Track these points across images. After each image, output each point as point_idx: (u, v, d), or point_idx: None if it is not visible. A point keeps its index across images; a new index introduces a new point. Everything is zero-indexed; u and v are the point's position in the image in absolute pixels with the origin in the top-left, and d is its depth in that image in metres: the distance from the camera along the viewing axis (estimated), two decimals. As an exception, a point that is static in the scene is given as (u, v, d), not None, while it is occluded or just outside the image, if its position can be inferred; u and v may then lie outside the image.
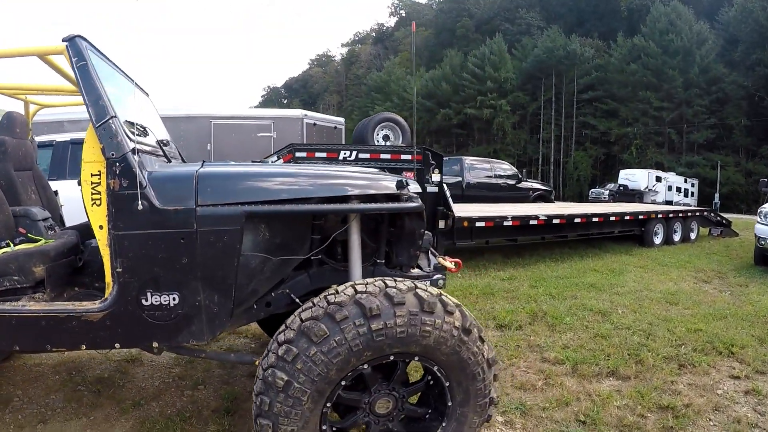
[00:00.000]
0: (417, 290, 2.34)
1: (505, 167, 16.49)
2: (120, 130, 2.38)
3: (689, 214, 13.21)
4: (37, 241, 2.97)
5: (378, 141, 9.46)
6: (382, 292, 2.29)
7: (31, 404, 3.48)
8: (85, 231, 3.26)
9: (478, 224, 8.63)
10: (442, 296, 2.38)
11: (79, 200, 2.55)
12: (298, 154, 8.11)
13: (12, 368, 4.11)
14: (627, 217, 11.12)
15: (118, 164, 2.32)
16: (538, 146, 56.93)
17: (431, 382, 2.48)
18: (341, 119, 14.81)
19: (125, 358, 4.27)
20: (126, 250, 2.35)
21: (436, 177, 8.43)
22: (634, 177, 32.62)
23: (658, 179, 32.35)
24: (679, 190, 33.57)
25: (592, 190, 38.17)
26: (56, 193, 4.19)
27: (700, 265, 9.39)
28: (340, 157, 8.22)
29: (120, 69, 3.07)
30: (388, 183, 2.87)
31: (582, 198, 42.69)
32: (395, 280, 2.39)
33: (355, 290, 2.32)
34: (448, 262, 3.27)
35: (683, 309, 6.19)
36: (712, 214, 14.26)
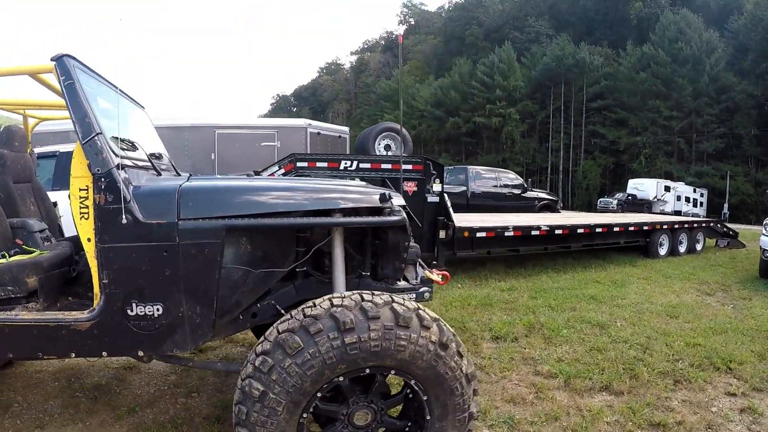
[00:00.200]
0: (393, 304, 2.36)
1: (511, 177, 16.44)
2: (105, 146, 2.46)
3: (695, 225, 13.08)
4: (31, 252, 3.03)
5: (379, 151, 9.47)
6: (357, 305, 2.32)
7: (30, 410, 3.57)
8: (79, 242, 3.27)
9: (479, 234, 8.60)
10: (420, 311, 2.39)
11: None
12: (299, 164, 8.17)
13: (13, 375, 4.21)
14: (631, 228, 11.03)
15: (103, 180, 2.40)
16: (547, 155, 56.78)
17: (410, 396, 2.49)
18: (346, 128, 14.84)
19: (123, 365, 4.34)
20: (111, 263, 2.43)
21: (437, 187, 8.43)
22: (642, 186, 32.42)
23: (667, 189, 32.14)
24: (688, 200, 33.32)
25: (601, 199, 38.02)
26: (55, 204, 4.26)
27: (704, 277, 9.29)
28: (341, 167, 8.25)
29: (111, 84, 3.15)
30: (370, 196, 2.89)
31: (591, 207, 42.43)
32: (373, 294, 2.41)
33: (332, 304, 2.35)
34: (435, 275, 3.28)
35: (683, 322, 6.12)
36: (719, 225, 14.10)
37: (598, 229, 10.29)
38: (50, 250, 3.10)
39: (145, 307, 2.48)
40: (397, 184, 8.34)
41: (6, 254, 2.91)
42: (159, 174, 3.01)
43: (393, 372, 2.37)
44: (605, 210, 32.12)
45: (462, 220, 9.05)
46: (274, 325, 2.41)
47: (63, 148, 7.13)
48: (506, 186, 15.68)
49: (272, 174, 8.10)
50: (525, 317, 6.08)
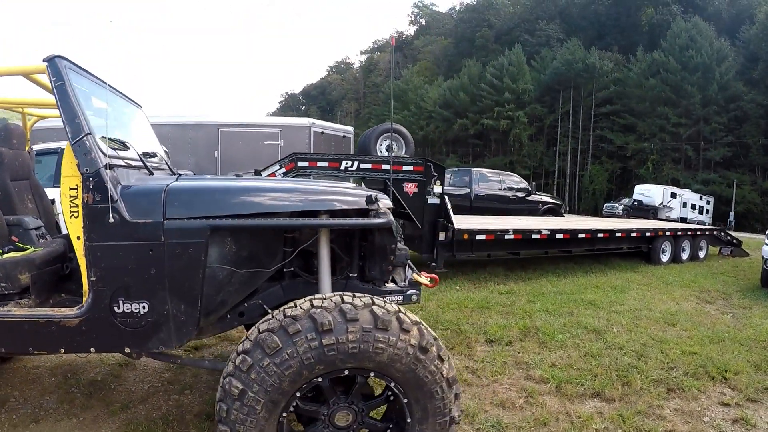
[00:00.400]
0: (373, 307, 2.37)
1: (515, 179, 16.36)
2: (94, 146, 2.49)
3: (698, 232, 12.97)
4: (25, 249, 3.05)
5: (381, 151, 9.45)
6: (337, 307, 2.33)
7: (26, 405, 3.61)
8: None
9: (478, 237, 8.56)
10: (400, 314, 2.40)
11: None
12: (300, 164, 8.16)
13: (11, 370, 4.25)
14: (634, 234, 10.95)
15: (91, 179, 2.44)
16: (554, 159, 56.65)
17: (392, 398, 2.49)
18: (350, 128, 14.83)
19: (119, 362, 4.37)
20: (99, 261, 2.47)
21: (437, 189, 8.41)
22: (649, 192, 32.26)
23: (674, 195, 31.98)
24: (694, 207, 33.16)
25: (607, 204, 37.90)
26: (53, 201, 4.28)
27: (705, 285, 9.22)
28: (342, 167, 8.24)
29: (106, 84, 3.18)
30: (357, 198, 2.91)
31: (597, 212, 42.30)
32: (353, 296, 2.43)
33: (312, 305, 2.36)
34: (423, 278, 3.28)
35: (681, 330, 6.07)
36: (722, 233, 13.99)
37: (600, 234, 10.23)
38: (44, 248, 3.12)
39: (131, 304, 2.51)
40: (398, 185, 8.34)
41: (0, 251, 2.94)
42: (151, 173, 3.02)
43: (372, 374, 2.38)
44: (611, 215, 32.03)
45: (462, 222, 9.02)
46: (257, 324, 2.43)
47: (65, 145, 7.15)
48: (510, 189, 15.60)
49: (273, 173, 8.10)
50: (521, 321, 6.05)
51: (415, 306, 6.57)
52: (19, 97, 3.83)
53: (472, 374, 4.42)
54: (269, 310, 2.80)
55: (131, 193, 2.56)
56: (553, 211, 16.09)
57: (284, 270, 3.04)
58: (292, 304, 2.43)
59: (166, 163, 3.76)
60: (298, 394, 2.33)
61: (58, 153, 7.00)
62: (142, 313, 2.53)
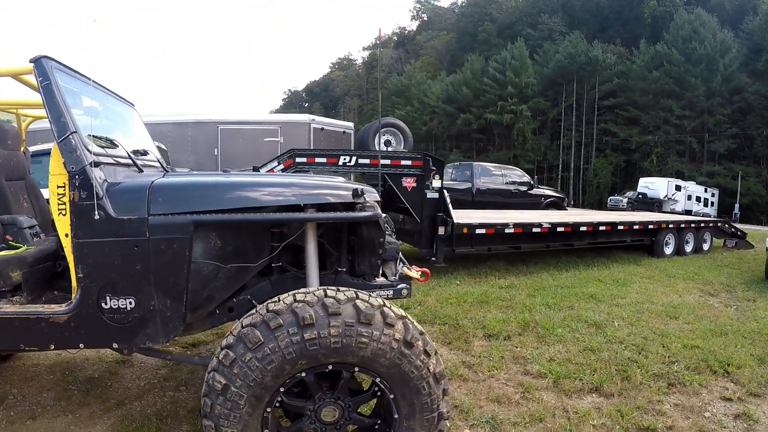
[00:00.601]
0: (356, 301, 2.34)
1: (518, 173, 16.23)
2: (79, 144, 2.51)
3: (702, 224, 12.84)
4: (18, 248, 3.08)
5: (380, 146, 9.36)
6: (319, 301, 2.31)
7: (24, 402, 3.65)
8: None
9: (478, 231, 8.49)
10: (385, 308, 2.37)
11: None
12: (298, 159, 8.12)
13: (11, 368, 4.28)
14: (636, 227, 10.83)
15: (77, 177, 2.47)
16: (558, 152, 56.40)
17: (379, 394, 2.47)
18: (350, 124, 14.76)
19: (117, 359, 4.39)
20: (86, 257, 2.49)
21: (436, 183, 8.34)
22: (653, 185, 32.08)
23: (678, 188, 31.76)
24: (698, 199, 32.94)
25: (611, 197, 37.73)
26: (48, 201, 4.26)
27: (709, 278, 9.12)
28: (340, 163, 8.19)
29: (97, 84, 3.23)
30: (343, 192, 2.89)
31: (602, 205, 42.13)
32: (337, 290, 2.41)
33: (294, 299, 2.35)
34: (414, 272, 3.24)
35: (683, 323, 5.99)
36: (727, 225, 13.86)
37: (602, 227, 10.12)
38: (37, 246, 3.14)
39: (118, 300, 2.53)
40: (396, 179, 8.27)
41: None
42: (140, 171, 3.03)
43: (357, 369, 2.35)
44: (615, 208, 31.89)
45: (462, 216, 8.95)
46: (241, 319, 2.43)
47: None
48: (512, 183, 15.49)
49: (271, 170, 8.05)
50: (520, 315, 5.98)
51: (413, 301, 6.53)
52: (13, 98, 3.87)
53: (469, 369, 4.36)
54: (256, 305, 2.79)
55: (117, 190, 2.57)
56: (556, 205, 15.97)
57: (273, 265, 3.05)
58: (276, 298, 2.42)
59: (159, 161, 3.76)
60: (282, 390, 2.31)
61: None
62: (128, 308, 2.54)
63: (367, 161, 8.28)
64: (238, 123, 12.71)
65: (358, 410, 2.58)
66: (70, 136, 2.50)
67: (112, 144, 2.95)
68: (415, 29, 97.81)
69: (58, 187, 2.53)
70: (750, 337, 5.51)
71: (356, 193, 2.84)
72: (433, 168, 8.30)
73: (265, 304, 2.41)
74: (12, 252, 2.95)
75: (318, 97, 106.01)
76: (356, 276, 3.16)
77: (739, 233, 13.81)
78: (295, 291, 2.44)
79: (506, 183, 15.35)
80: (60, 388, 3.88)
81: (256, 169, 7.99)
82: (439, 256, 8.28)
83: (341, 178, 3.49)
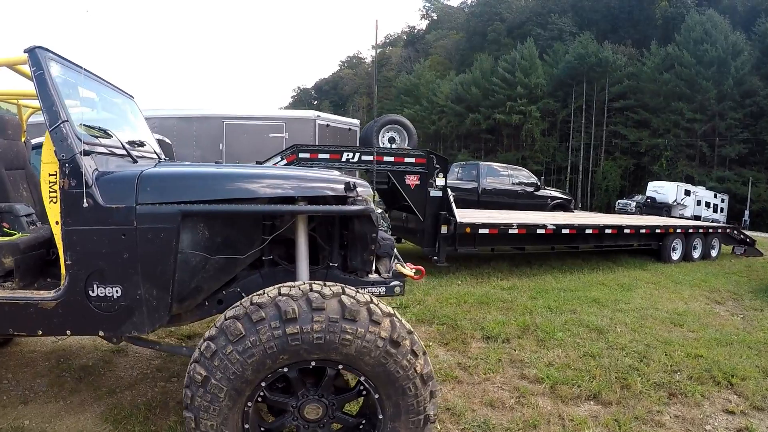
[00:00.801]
0: (342, 296, 2.28)
1: (525, 174, 16.08)
2: (70, 133, 2.55)
3: (710, 230, 12.65)
4: (12, 234, 3.14)
5: (383, 143, 9.27)
6: (304, 296, 2.25)
7: (17, 387, 3.71)
8: None
9: (481, 231, 8.39)
10: (371, 304, 2.30)
11: None
12: (301, 155, 8.04)
13: (8, 353, 4.35)
14: (643, 231, 10.68)
15: (67, 165, 2.50)
16: (567, 154, 56.10)
17: (364, 393, 2.40)
18: (356, 121, 14.68)
19: (112, 348, 4.40)
20: (74, 245, 2.52)
21: (440, 181, 8.24)
22: (662, 189, 31.87)
23: (687, 193, 31.52)
24: (708, 205, 32.67)
25: (619, 201, 37.50)
26: None
27: (716, 285, 8.95)
28: (343, 159, 8.11)
29: (91, 74, 3.29)
30: (335, 185, 2.85)
31: (610, 209, 41.83)
32: (323, 285, 2.36)
33: (279, 292, 2.30)
34: (408, 269, 3.19)
35: (687, 331, 5.85)
36: (735, 232, 13.66)
37: (608, 231, 9.98)
38: (32, 234, 3.19)
39: (105, 288, 2.55)
40: (400, 177, 8.17)
41: None
42: (135, 161, 3.03)
43: (341, 367, 2.29)
44: (623, 212, 31.68)
45: (465, 215, 8.85)
46: (225, 311, 2.39)
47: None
48: (519, 183, 15.35)
49: (274, 165, 7.98)
50: (521, 318, 5.88)
51: (413, 299, 6.45)
52: (14, 89, 3.90)
53: (464, 371, 4.27)
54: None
55: (106, 179, 2.59)
56: (563, 207, 15.80)
57: (263, 258, 3.02)
58: (261, 291, 2.37)
59: (156, 153, 3.77)
60: (263, 384, 2.27)
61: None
62: (115, 297, 2.55)
63: (370, 158, 8.18)
64: (244, 118, 12.66)
65: (344, 409, 2.53)
66: (62, 125, 2.54)
67: (106, 134, 2.96)
68: (424, 28, 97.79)
69: (49, 175, 2.56)
70: (756, 347, 5.36)
71: (348, 187, 2.79)
72: (437, 166, 8.20)
73: (250, 296, 2.37)
74: (5, 239, 2.99)
75: (327, 94, 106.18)
76: (349, 272, 3.11)
77: (748, 240, 13.62)
78: (281, 284, 2.38)
79: (513, 183, 15.22)
80: (54, 375, 3.92)
81: (259, 163, 7.91)
82: (441, 256, 8.18)
83: (336, 172, 3.41)
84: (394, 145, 9.25)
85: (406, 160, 8.19)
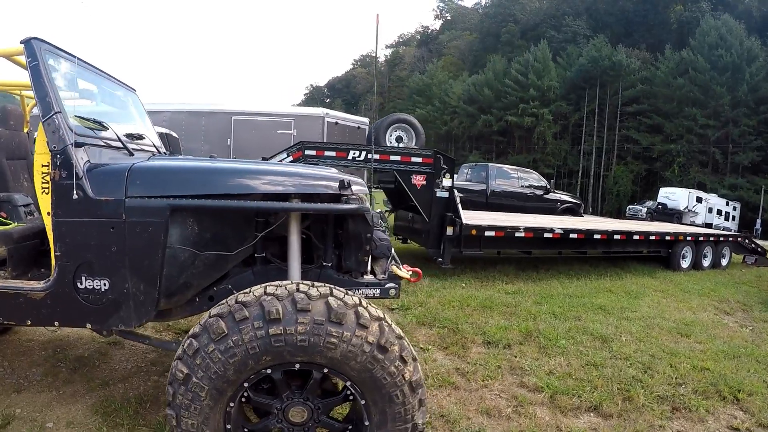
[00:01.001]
0: (329, 298, 2.21)
1: (534, 177, 15.94)
2: (62, 124, 2.55)
3: (721, 238, 12.44)
4: (8, 224, 3.17)
5: (391, 142, 9.18)
6: (290, 296, 2.19)
7: (12, 375, 3.74)
8: None
9: (487, 233, 8.26)
10: (360, 307, 2.23)
11: None
12: (307, 152, 7.98)
13: (6, 341, 4.39)
14: (652, 237, 10.51)
15: (59, 156, 2.50)
16: (578, 158, 55.64)
17: (351, 398, 2.33)
18: (365, 119, 14.61)
19: (108, 340, 4.38)
20: (64, 236, 2.53)
21: (447, 182, 8.13)
22: (674, 196, 31.51)
23: (699, 200, 31.15)
24: (720, 212, 32.28)
25: (630, 206, 37.18)
26: None
27: (726, 295, 8.78)
28: (349, 157, 8.03)
29: (94, 67, 3.33)
30: (329, 182, 2.81)
31: (620, 214, 41.44)
32: (312, 285, 2.30)
33: (265, 291, 2.25)
34: (404, 271, 3.12)
35: (694, 342, 5.71)
36: (747, 241, 13.44)
37: (617, 236, 9.81)
38: (28, 224, 3.23)
39: (93, 281, 2.55)
40: (406, 176, 8.07)
41: None
42: (131, 154, 3.03)
43: (326, 370, 2.23)
44: (634, 217, 31.37)
45: (472, 217, 8.74)
46: (211, 308, 2.35)
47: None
48: (529, 186, 15.21)
49: (280, 161, 7.92)
50: (524, 323, 5.77)
51: (414, 301, 6.36)
52: (17, 80, 3.91)
53: (462, 377, 4.17)
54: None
55: (97, 171, 2.58)
56: (572, 211, 15.63)
57: (256, 255, 2.99)
58: (248, 289, 2.32)
59: (155, 145, 3.75)
60: (246, 385, 2.22)
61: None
62: (103, 290, 2.55)
63: (377, 156, 8.10)
64: (252, 114, 12.64)
65: (334, 413, 2.48)
66: (54, 116, 2.54)
67: (102, 126, 2.94)
68: (438, 28, 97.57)
69: (42, 165, 2.59)
70: (764, 361, 5.21)
71: (343, 185, 2.74)
72: (444, 166, 8.10)
73: (236, 294, 2.32)
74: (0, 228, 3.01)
75: (340, 93, 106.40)
76: (343, 272, 3.05)
77: (759, 249, 13.39)
78: (268, 283, 2.33)
79: (522, 186, 15.09)
80: (49, 365, 3.94)
81: (264, 159, 7.86)
82: (446, 257, 8.08)
83: (333, 169, 3.34)
84: (401, 144, 9.15)
85: (413, 159, 8.10)
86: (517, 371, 4.37)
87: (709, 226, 27.97)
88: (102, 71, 3.45)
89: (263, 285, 2.31)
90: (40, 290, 2.58)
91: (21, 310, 2.61)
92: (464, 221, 7.98)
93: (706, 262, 11.77)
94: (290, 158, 8.03)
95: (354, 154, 8.06)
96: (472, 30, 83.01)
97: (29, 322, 2.67)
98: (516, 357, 4.71)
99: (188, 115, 12.52)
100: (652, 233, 10.51)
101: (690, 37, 49.43)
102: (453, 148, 64.40)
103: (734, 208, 34.30)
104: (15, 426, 3.08)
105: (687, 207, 30.33)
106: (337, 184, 2.75)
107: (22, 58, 2.93)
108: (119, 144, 3.00)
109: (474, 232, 8.12)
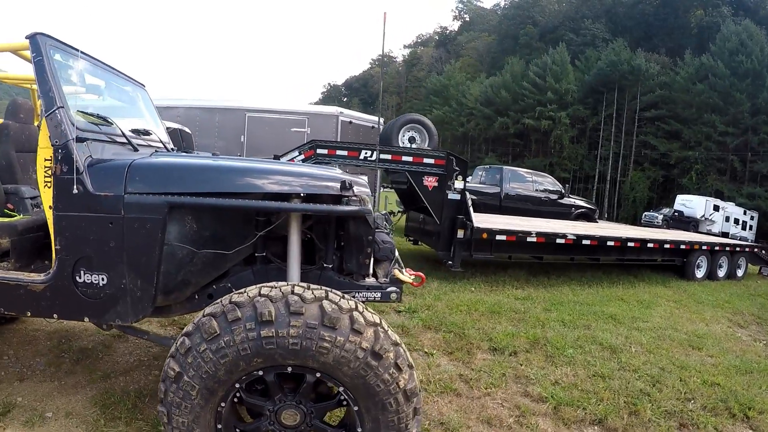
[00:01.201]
0: (324, 301, 2.18)
1: (549, 181, 15.75)
2: (65, 119, 2.57)
3: (737, 248, 12.21)
4: (13, 216, 3.22)
5: (403, 143, 9.12)
6: (283, 298, 2.16)
7: (16, 364, 3.80)
8: None
9: (498, 237, 8.16)
10: (355, 312, 2.19)
11: None
12: (319, 151, 7.95)
13: (12, 330, 4.48)
14: (667, 246, 10.32)
15: (60, 151, 2.52)
16: (595, 163, 55.18)
17: (345, 403, 2.30)
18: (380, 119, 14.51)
19: (113, 332, 4.38)
20: (64, 230, 2.55)
21: (459, 184, 8.05)
22: (690, 203, 31.07)
23: (716, 208, 30.66)
24: (737, 221, 31.69)
25: (646, 213, 36.77)
26: None
27: (740, 307, 8.60)
28: (361, 157, 7.98)
29: (103, 63, 3.36)
30: (330, 183, 2.77)
31: (636, 221, 40.99)
32: (307, 287, 2.27)
33: (259, 293, 2.23)
34: (407, 275, 3.07)
35: (706, 356, 5.58)
36: (764, 252, 13.17)
37: (631, 244, 9.66)
38: (33, 216, 3.25)
39: (91, 275, 2.57)
40: (418, 178, 8.01)
41: None
42: (136, 149, 3.04)
43: (318, 374, 2.20)
44: (650, 224, 31.00)
45: (483, 221, 8.65)
46: (205, 307, 2.34)
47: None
48: (543, 190, 15.05)
49: (292, 159, 7.90)
50: (531, 330, 5.68)
51: (422, 304, 6.30)
52: (28, 74, 3.96)
53: (465, 384, 4.11)
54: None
55: (98, 167, 2.60)
56: (587, 216, 15.44)
57: (256, 255, 2.99)
58: (243, 290, 2.31)
59: (161, 141, 3.74)
60: (237, 385, 2.22)
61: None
62: (101, 284, 2.57)
63: (389, 156, 8.05)
64: (266, 111, 12.63)
65: (328, 418, 2.45)
66: (56, 111, 2.56)
67: (106, 121, 2.95)
68: (456, 29, 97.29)
69: (45, 160, 2.62)
70: (778, 377, 5.07)
71: (344, 186, 2.70)
72: (457, 168, 8.02)
73: (230, 294, 2.31)
74: (4, 220, 3.05)
75: (357, 92, 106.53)
76: (345, 274, 3.02)
77: (776, 261, 13.13)
78: (264, 284, 2.32)
79: (536, 190, 14.93)
80: (53, 355, 3.99)
81: (276, 157, 7.84)
82: (456, 261, 8.00)
83: (337, 169, 3.30)
84: (414, 145, 9.09)
85: (425, 160, 8.03)
86: (521, 380, 4.30)
87: (725, 235, 27.56)
88: (111, 67, 3.47)
89: (259, 286, 2.29)
90: (40, 282, 2.61)
91: (21, 301, 2.65)
92: (475, 224, 7.90)
93: (721, 273, 11.58)
94: (302, 156, 8.00)
95: (366, 153, 8.01)
96: (491, 31, 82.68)
97: (29, 314, 2.70)
98: (522, 365, 4.63)
99: (202, 111, 12.55)
100: (666, 241, 10.33)
101: (710, 43, 48.67)
102: (469, 150, 64.17)
103: (752, 218, 33.67)
104: (15, 414, 3.11)
105: (704, 215, 29.90)
106: (338, 185, 2.71)
107: (28, 53, 2.95)
108: (124, 139, 3.01)
109: (485, 235, 8.03)
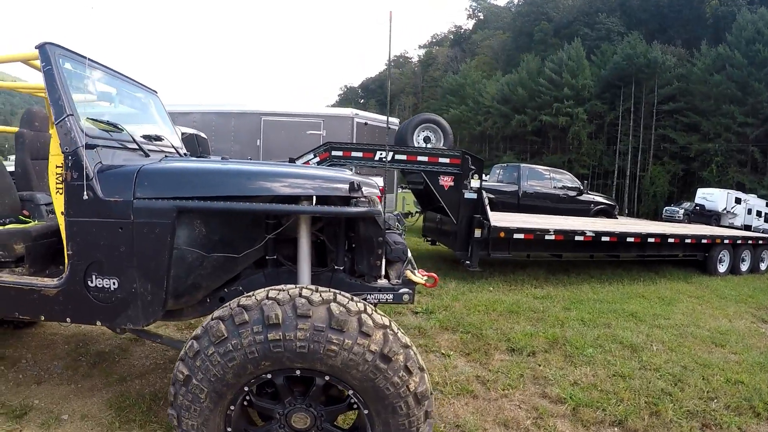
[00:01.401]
0: (331, 304, 2.16)
1: (568, 178, 15.59)
2: (74, 127, 2.60)
3: (761, 241, 11.91)
4: (28, 222, 3.30)
5: (418, 142, 9.10)
6: (291, 301, 2.16)
7: (34, 366, 3.89)
8: None
9: (516, 236, 8.09)
10: (363, 314, 2.17)
11: None
12: (334, 153, 7.97)
13: (30, 334, 4.58)
14: (688, 240, 10.14)
15: (70, 158, 2.56)
16: (614, 158, 54.56)
17: (355, 407, 2.29)
18: (395, 119, 14.52)
19: (130, 336, 4.46)
20: (75, 235, 2.59)
21: (475, 183, 8.01)
22: (712, 197, 30.56)
23: (738, 201, 30.10)
24: (759, 214, 31.03)
25: (667, 208, 36.25)
26: None
27: (764, 302, 8.39)
28: (376, 158, 7.98)
29: (113, 71, 3.41)
30: (339, 185, 2.76)
31: (657, 216, 40.43)
32: (316, 290, 2.26)
33: (267, 295, 2.23)
34: (419, 276, 3.03)
35: (729, 353, 5.45)
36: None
37: (651, 239, 9.52)
38: (47, 222, 3.33)
39: (103, 280, 2.61)
40: (433, 177, 7.99)
41: (4, 222, 3.21)
42: (147, 155, 3.06)
43: (327, 378, 2.18)
44: (671, 219, 30.55)
45: (500, 219, 8.59)
46: (215, 311, 2.35)
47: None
48: (562, 187, 14.90)
49: (307, 162, 7.93)
50: (550, 330, 5.61)
51: (439, 305, 6.28)
52: (41, 83, 4.00)
53: (482, 385, 4.06)
54: None
55: (107, 173, 2.63)
56: (606, 213, 15.25)
57: (267, 257, 2.99)
58: (251, 293, 2.31)
59: (174, 147, 3.77)
60: (246, 388, 2.22)
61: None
62: (112, 288, 2.60)
63: (404, 157, 8.04)
64: (282, 115, 12.68)
65: (339, 420, 2.46)
66: (66, 119, 2.60)
67: (116, 128, 2.98)
68: (471, 28, 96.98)
69: (57, 167, 2.68)
70: (804, 374, 4.94)
71: (353, 187, 2.69)
72: (472, 167, 7.98)
73: (239, 297, 2.31)
74: (19, 226, 3.14)
75: (374, 93, 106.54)
76: (356, 276, 3.00)
77: (801, 254, 12.82)
78: (272, 287, 2.31)
79: (554, 187, 14.78)
80: (70, 358, 4.06)
81: (291, 160, 7.87)
82: (473, 260, 7.95)
83: (347, 171, 3.30)
84: (429, 145, 9.07)
85: (441, 160, 8.01)
86: (540, 381, 4.24)
87: (748, 228, 27.04)
88: (122, 74, 3.52)
89: (267, 288, 2.29)
90: (53, 287, 2.66)
91: (35, 305, 2.71)
92: (492, 223, 7.85)
93: (744, 267, 11.34)
94: (317, 159, 8.03)
95: (381, 154, 8.01)
96: (505, 29, 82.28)
97: (43, 317, 2.78)
98: (540, 365, 4.57)
99: (218, 116, 12.65)
100: (687, 236, 10.15)
101: (726, 32, 47.89)
102: (487, 148, 63.89)
103: (774, 210, 33.08)
104: (32, 416, 3.17)
105: (725, 208, 29.41)
106: (347, 186, 2.70)
107: (38, 62, 3.01)
108: (134, 145, 3.04)
109: (502, 234, 7.97)
